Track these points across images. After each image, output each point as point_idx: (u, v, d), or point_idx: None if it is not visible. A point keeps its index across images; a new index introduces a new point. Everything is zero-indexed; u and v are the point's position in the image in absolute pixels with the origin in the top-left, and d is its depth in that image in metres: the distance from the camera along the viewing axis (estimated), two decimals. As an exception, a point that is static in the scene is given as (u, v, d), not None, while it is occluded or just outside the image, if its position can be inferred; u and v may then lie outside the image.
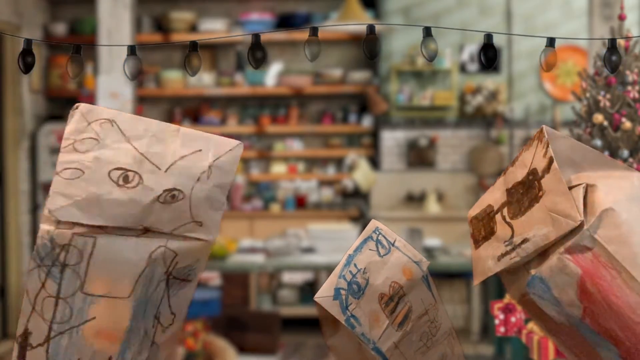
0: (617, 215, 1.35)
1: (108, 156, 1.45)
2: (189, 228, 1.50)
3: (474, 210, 1.54)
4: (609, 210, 1.36)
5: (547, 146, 1.38)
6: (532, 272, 1.43)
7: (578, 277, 1.36)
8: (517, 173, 1.45)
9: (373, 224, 1.67)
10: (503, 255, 1.44)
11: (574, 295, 1.38)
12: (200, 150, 1.49)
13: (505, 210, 1.45)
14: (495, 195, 1.49)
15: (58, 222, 1.43)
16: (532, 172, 1.40)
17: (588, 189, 1.39)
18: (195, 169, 1.49)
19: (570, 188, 1.39)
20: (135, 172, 1.46)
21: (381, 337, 1.59)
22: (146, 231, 1.48)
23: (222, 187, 1.51)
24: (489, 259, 1.48)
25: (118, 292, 1.47)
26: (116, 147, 1.45)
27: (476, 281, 1.54)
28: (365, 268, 1.60)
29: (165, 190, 1.47)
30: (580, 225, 1.35)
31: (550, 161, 1.37)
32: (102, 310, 1.46)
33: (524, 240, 1.40)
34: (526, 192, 1.42)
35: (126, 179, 1.45)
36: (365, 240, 1.64)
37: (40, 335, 1.44)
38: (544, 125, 1.42)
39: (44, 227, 1.43)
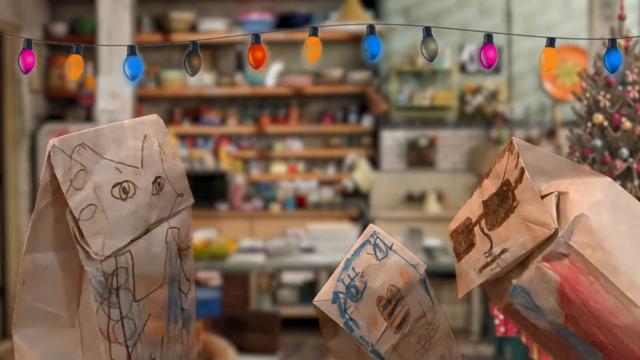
0: (589, 220, 1.37)
1: (100, 180, 1.49)
2: (178, 203, 1.66)
3: (454, 224, 1.56)
4: (581, 216, 1.37)
5: (518, 157, 1.40)
6: (514, 282, 1.44)
7: (557, 284, 1.38)
8: (492, 185, 1.47)
9: (371, 228, 1.69)
10: (484, 266, 1.46)
11: (554, 303, 1.39)
12: (146, 135, 1.60)
13: (482, 222, 1.47)
14: (472, 208, 1.51)
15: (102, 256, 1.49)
16: (506, 183, 1.43)
17: (560, 196, 1.41)
18: (154, 153, 1.61)
19: (542, 197, 1.41)
20: (127, 181, 1.53)
21: (379, 340, 1.60)
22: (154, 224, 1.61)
23: (176, 156, 1.66)
24: (471, 271, 1.50)
25: (156, 284, 1.61)
26: (99, 167, 1.49)
27: (460, 294, 1.55)
28: (363, 272, 1.62)
29: (153, 183, 1.58)
30: (555, 233, 1.37)
31: (522, 172, 1.39)
32: (151, 305, 1.59)
33: (503, 251, 1.42)
34: (501, 203, 1.44)
35: (125, 191, 1.52)
36: (363, 244, 1.66)
37: (122, 358, 1.54)
38: (513, 137, 1.44)
39: (91, 266, 1.47)
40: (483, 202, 1.48)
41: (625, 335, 1.34)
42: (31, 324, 1.54)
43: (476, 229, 1.48)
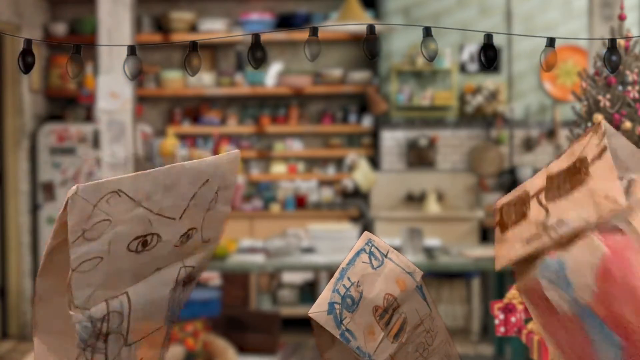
0: None
1: (123, 232, 1.37)
2: (200, 248, 1.53)
3: (506, 198, 1.52)
4: None
5: (603, 137, 1.37)
6: (551, 253, 1.41)
7: (602, 256, 1.35)
8: (563, 162, 1.44)
9: (366, 236, 1.66)
10: (533, 237, 1.43)
11: (590, 276, 1.36)
12: (207, 180, 1.48)
13: (542, 195, 1.44)
14: (533, 182, 1.47)
15: (88, 301, 1.39)
16: (581, 160, 1.39)
17: (630, 182, 1.39)
18: (205, 200, 1.48)
19: None
20: (153, 234, 1.42)
21: (377, 350, 1.58)
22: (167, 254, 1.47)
23: (228, 202, 1.53)
24: (516, 242, 1.46)
25: (155, 326, 1.49)
26: (129, 217, 1.38)
27: (499, 265, 1.51)
28: (358, 281, 1.59)
29: (181, 236, 1.47)
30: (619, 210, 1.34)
31: (604, 149, 1.36)
32: (144, 349, 1.48)
33: (560, 222, 1.39)
34: (569, 178, 1.41)
35: (145, 244, 1.41)
36: (358, 253, 1.63)
37: None
38: (603, 120, 1.44)
39: (78, 313, 1.37)
40: (548, 176, 1.44)
41: None
42: (49, 332, 1.47)
43: (532, 200, 1.44)
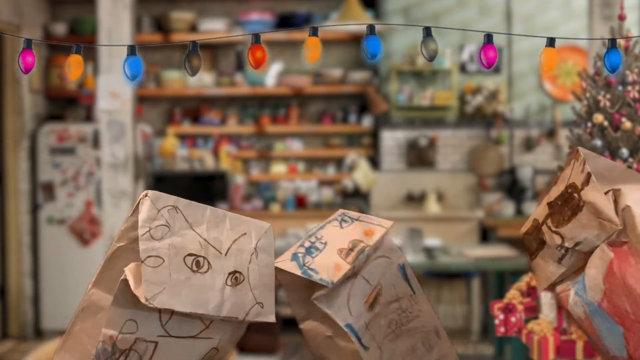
0: (633, 211, 1.58)
1: (179, 243, 1.49)
2: (255, 311, 1.58)
3: (524, 228, 1.73)
4: (626, 208, 1.58)
5: (584, 163, 1.60)
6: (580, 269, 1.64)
7: (609, 260, 1.58)
8: (557, 189, 1.66)
9: (339, 211, 1.72)
10: (561, 258, 1.65)
11: (600, 278, 1.59)
12: (245, 233, 1.59)
13: (549, 221, 1.66)
14: (538, 210, 1.70)
15: (122, 328, 1.45)
16: (571, 186, 1.62)
17: (615, 193, 1.61)
18: (245, 251, 1.58)
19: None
20: (204, 258, 1.51)
21: (341, 279, 1.59)
22: (209, 326, 1.53)
23: (269, 267, 1.60)
24: (549, 265, 1.67)
25: None
26: (183, 233, 1.50)
27: (540, 288, 1.73)
28: (324, 236, 1.65)
29: (229, 273, 1.54)
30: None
31: (589, 176, 1.59)
32: None
33: (577, 243, 1.61)
34: (565, 203, 1.63)
35: (198, 264, 1.50)
36: (330, 221, 1.70)
37: None
38: (579, 147, 1.64)
39: (108, 331, 1.44)
40: (548, 203, 1.66)
41: None
42: (71, 352, 1.52)
43: (544, 228, 1.66)
